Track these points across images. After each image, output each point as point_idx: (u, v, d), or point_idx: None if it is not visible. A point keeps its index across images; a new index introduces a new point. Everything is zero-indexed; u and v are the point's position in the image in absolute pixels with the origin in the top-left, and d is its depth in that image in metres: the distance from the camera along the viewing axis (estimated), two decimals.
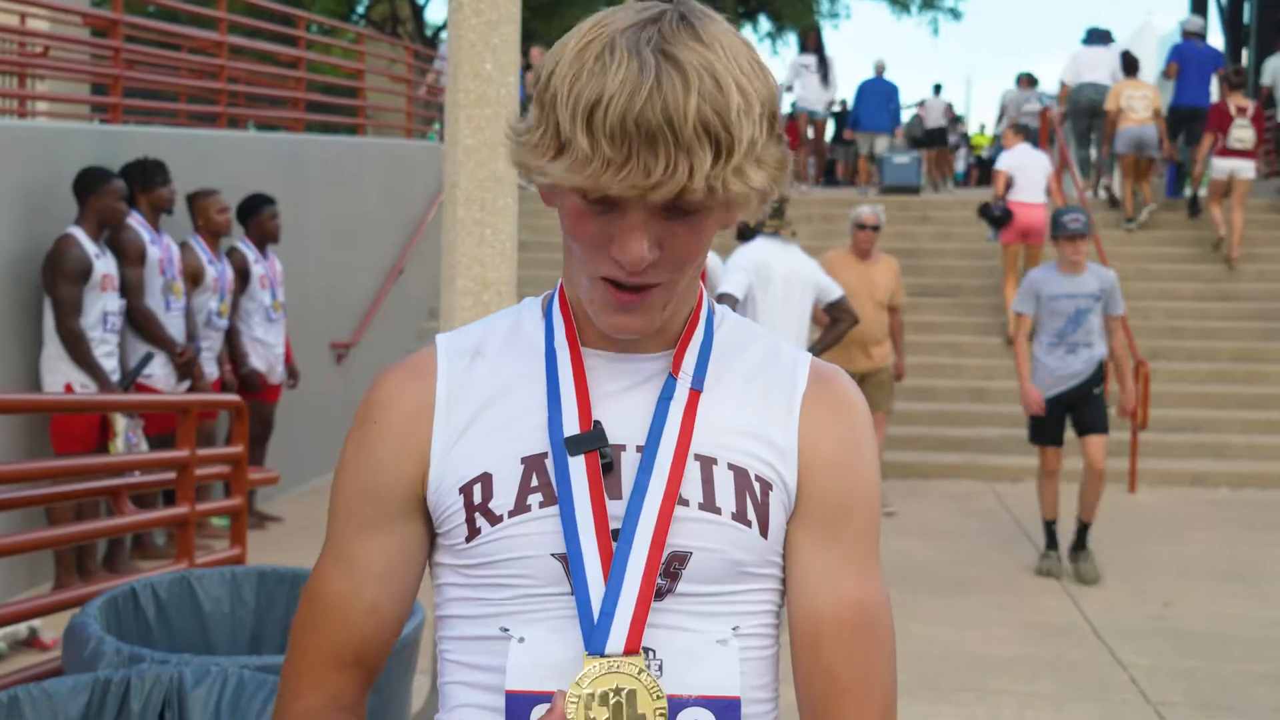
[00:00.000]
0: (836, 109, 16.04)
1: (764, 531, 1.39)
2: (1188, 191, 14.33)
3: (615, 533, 1.34)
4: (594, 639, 1.31)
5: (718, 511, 1.37)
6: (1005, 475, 10.19)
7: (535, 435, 1.38)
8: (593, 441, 1.36)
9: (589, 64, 1.25)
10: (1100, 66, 14.17)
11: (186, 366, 6.79)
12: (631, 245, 1.27)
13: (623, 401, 1.40)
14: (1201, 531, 8.43)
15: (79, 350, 6.06)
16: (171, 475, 4.03)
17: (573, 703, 1.29)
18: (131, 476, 4.01)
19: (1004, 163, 12.20)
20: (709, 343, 1.44)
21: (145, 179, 6.68)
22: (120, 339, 6.42)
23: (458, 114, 4.12)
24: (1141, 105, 13.50)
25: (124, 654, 2.84)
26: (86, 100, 10.16)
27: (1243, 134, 12.76)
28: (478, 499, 1.37)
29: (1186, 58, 14.20)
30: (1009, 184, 11.95)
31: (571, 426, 1.37)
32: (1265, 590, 7.02)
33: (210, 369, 7.34)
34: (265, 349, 7.83)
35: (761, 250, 6.18)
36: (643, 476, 1.36)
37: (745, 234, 6.38)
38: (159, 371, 6.67)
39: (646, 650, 1.33)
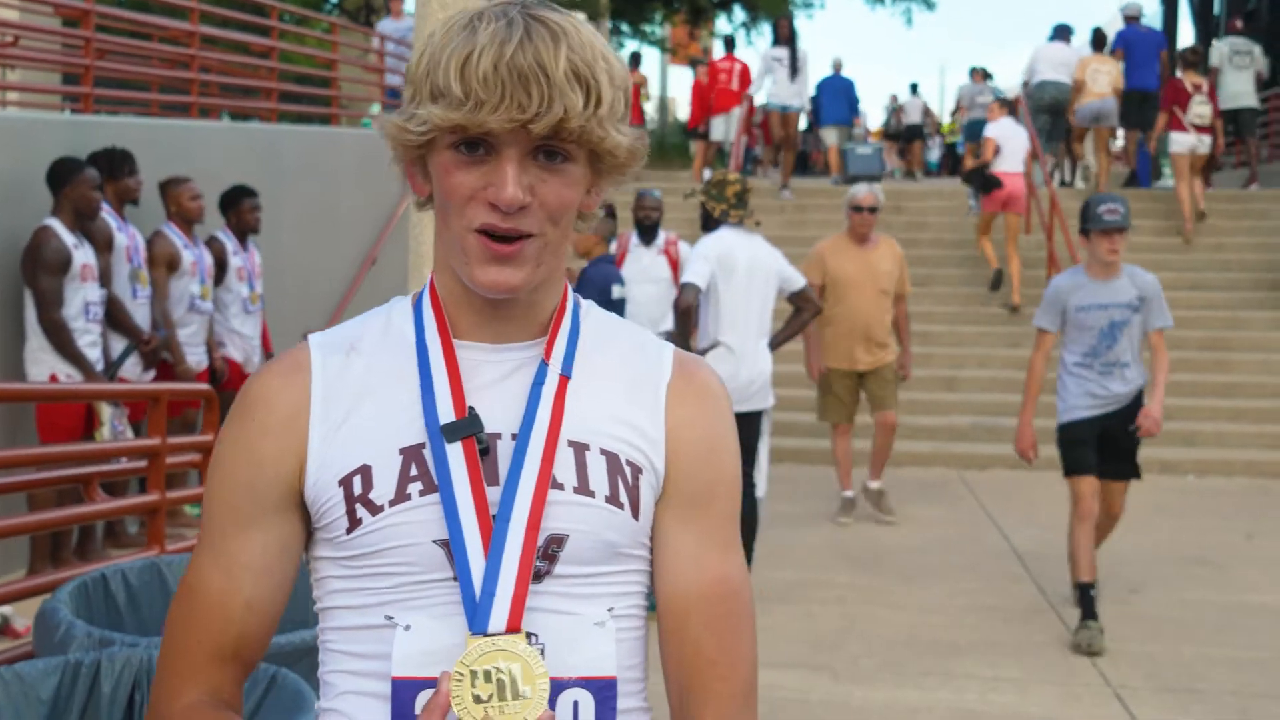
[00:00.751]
0: (801, 103, 15.61)
1: (635, 514, 1.44)
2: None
3: (493, 517, 1.39)
4: (476, 619, 1.36)
5: (592, 495, 1.42)
6: (974, 463, 10.29)
7: (412, 427, 1.42)
8: (468, 428, 1.41)
9: (456, 32, 1.35)
10: (1061, 64, 14.51)
11: (153, 355, 6.81)
12: (507, 185, 1.34)
13: (496, 391, 1.45)
14: (1169, 518, 8.54)
15: (62, 341, 6.07)
16: (143, 463, 4.07)
17: (458, 680, 1.32)
18: (116, 463, 4.04)
19: (991, 131, 12.91)
20: (576, 332, 1.50)
21: (112, 168, 6.69)
22: (103, 328, 6.44)
23: None
24: (1104, 81, 13.99)
25: (94, 637, 2.88)
26: (58, 90, 10.14)
27: (1202, 110, 13.28)
28: (358, 490, 1.40)
29: (1131, 42, 14.48)
30: (997, 150, 12.57)
31: (447, 415, 1.41)
32: (1230, 576, 7.13)
33: (199, 354, 7.36)
34: (242, 340, 7.85)
35: (725, 240, 6.20)
36: (518, 461, 1.40)
37: (708, 224, 6.41)
38: (127, 361, 6.68)
39: (529, 635, 1.37)
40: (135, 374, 6.75)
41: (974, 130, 17.40)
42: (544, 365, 1.45)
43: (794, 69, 15.01)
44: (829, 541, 7.77)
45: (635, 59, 19.97)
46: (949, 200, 15.63)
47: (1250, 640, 5.97)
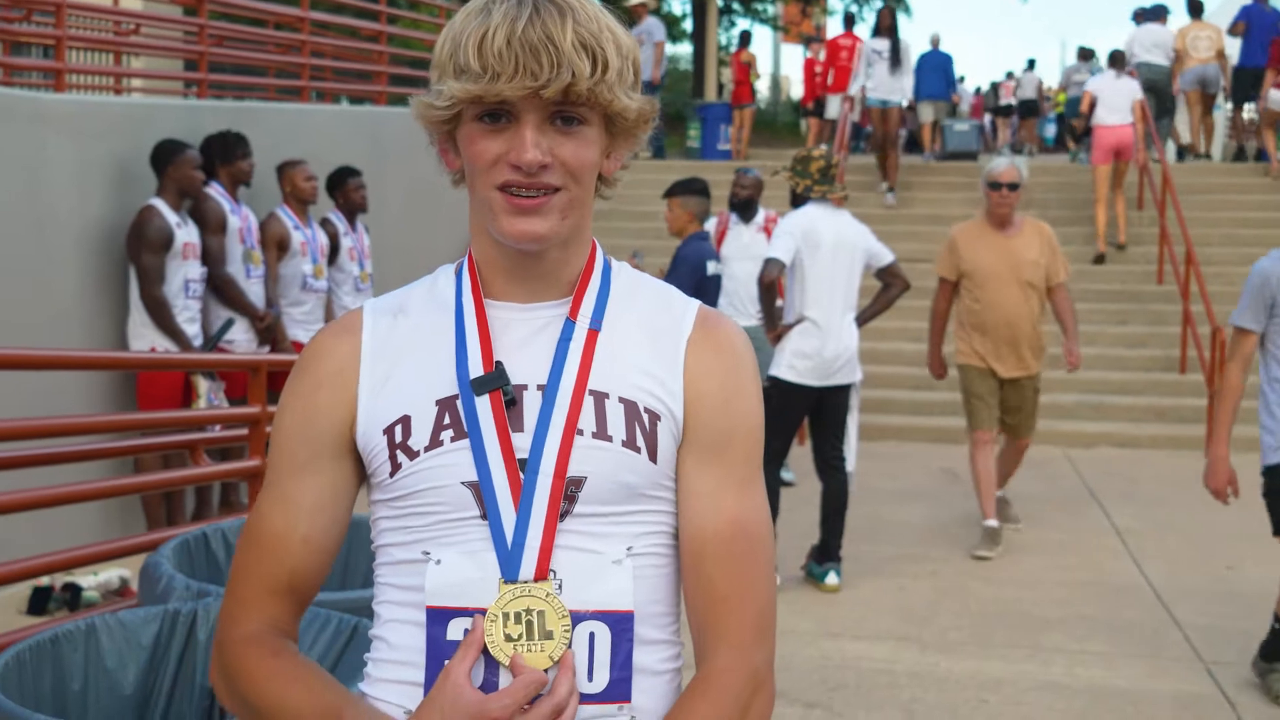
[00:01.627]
0: (903, 98, 14.60)
1: (653, 457, 1.56)
2: None
3: (522, 463, 1.53)
4: (508, 566, 1.50)
5: (609, 439, 1.54)
6: (1079, 441, 10.20)
7: (447, 380, 1.57)
8: (495, 381, 1.55)
9: (473, 16, 1.50)
10: (1155, 46, 14.49)
11: (267, 331, 7.06)
12: (527, 148, 1.49)
13: (525, 347, 1.58)
14: None
15: (162, 316, 6.34)
16: (244, 431, 4.27)
17: (491, 621, 1.49)
18: (212, 431, 4.24)
19: (1091, 84, 13.52)
20: (606, 288, 1.63)
21: (225, 151, 6.94)
22: (202, 305, 6.70)
23: None
24: (1205, 45, 14.12)
25: (193, 589, 3.06)
26: (176, 76, 10.50)
27: None
28: (399, 438, 1.56)
29: (1253, 18, 14.42)
30: (1093, 104, 12.95)
31: (476, 369, 1.56)
32: None
33: (314, 331, 7.59)
34: None
35: (810, 215, 6.23)
36: (545, 411, 1.54)
37: (796, 200, 6.45)
38: (240, 337, 6.94)
39: (551, 571, 1.51)
40: (251, 349, 7.00)
41: (1074, 108, 17.16)
42: (570, 322, 1.58)
43: (895, 61, 14.22)
44: (926, 517, 7.78)
45: (745, 38, 19.93)
46: (1057, 175, 15.38)
47: None
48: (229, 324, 6.73)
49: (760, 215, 8.27)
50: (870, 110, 14.56)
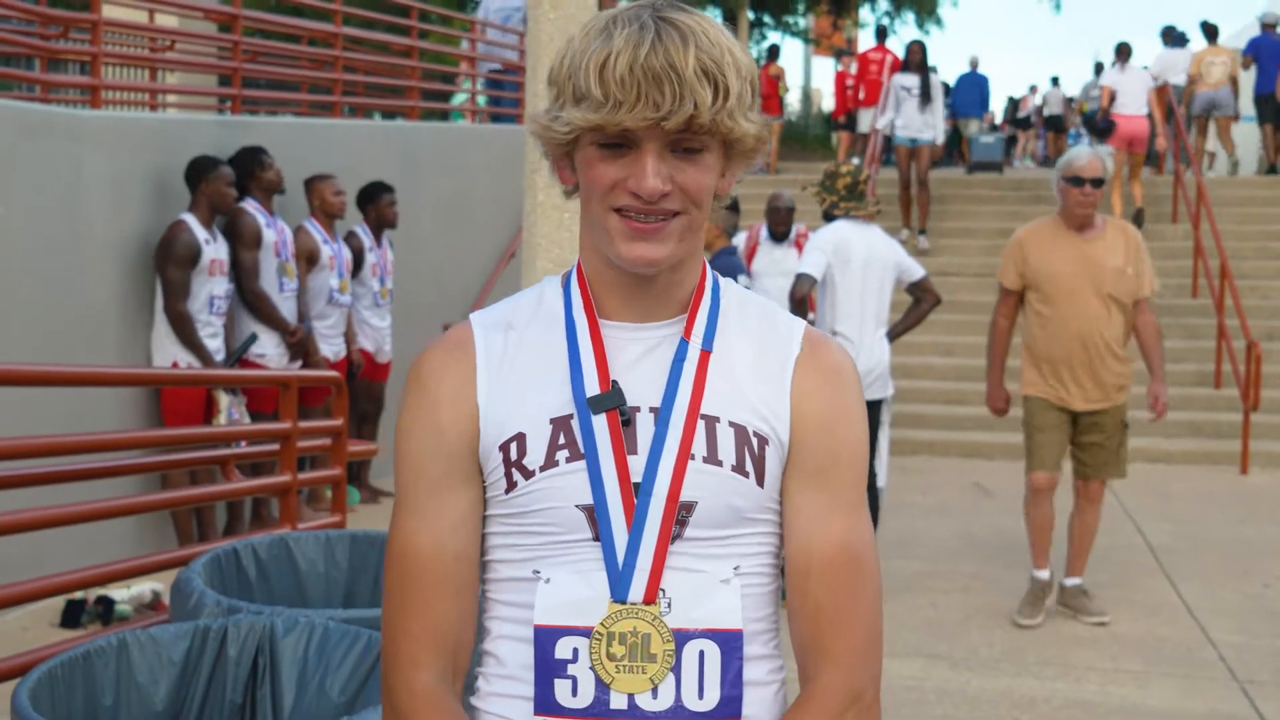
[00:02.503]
0: (934, 135, 13.68)
1: (760, 481, 1.57)
2: None
3: (635, 486, 1.53)
4: (618, 587, 1.52)
5: (719, 464, 1.55)
6: None
7: (561, 398, 1.57)
8: (612, 400, 1.55)
9: (594, 37, 1.49)
10: (1180, 69, 15.01)
11: (299, 346, 7.09)
12: (647, 178, 1.48)
13: (638, 367, 1.58)
14: None
15: (184, 331, 6.38)
16: (275, 446, 4.29)
17: (596, 639, 1.50)
18: (239, 447, 4.27)
19: (1107, 78, 14.04)
20: (716, 308, 1.63)
21: (246, 166, 6.95)
22: (226, 321, 6.73)
23: (538, 104, 4.31)
24: (1219, 71, 14.52)
25: (223, 606, 3.07)
26: (210, 92, 10.58)
27: None
28: (514, 455, 1.56)
29: (1261, 49, 14.84)
30: (1113, 97, 13.61)
31: (592, 388, 1.55)
32: None
33: (338, 345, 7.67)
34: (373, 330, 8.13)
35: (841, 231, 6.22)
36: (660, 434, 1.55)
37: (827, 217, 6.44)
38: (271, 351, 6.98)
39: (660, 590, 1.52)
40: (282, 364, 7.05)
41: (1093, 118, 17.87)
42: (684, 342, 1.58)
43: (926, 97, 13.46)
44: (957, 532, 7.74)
45: (774, 51, 19.94)
46: None
47: None
48: (252, 339, 6.77)
49: (792, 231, 8.26)
50: (898, 148, 13.82)
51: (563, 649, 1.52)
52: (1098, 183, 5.61)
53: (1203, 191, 12.34)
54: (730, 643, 1.53)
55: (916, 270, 6.38)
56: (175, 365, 6.40)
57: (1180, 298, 12.48)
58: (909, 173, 13.74)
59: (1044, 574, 6.04)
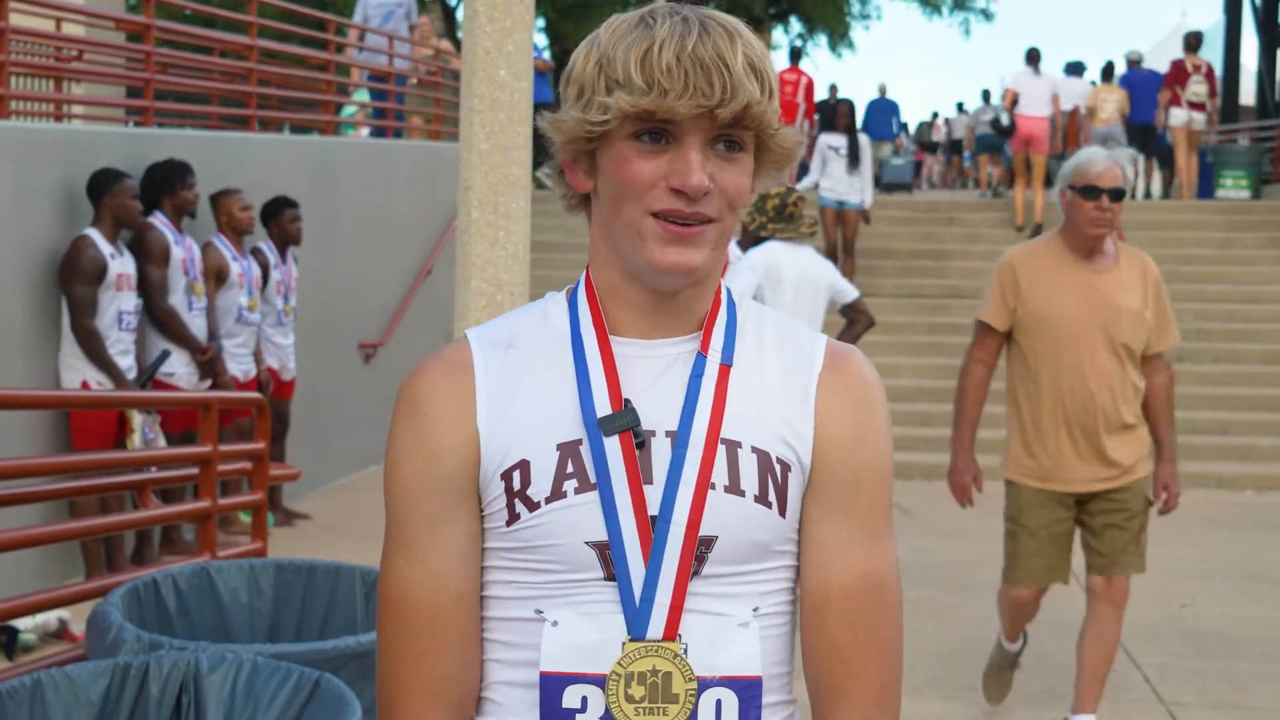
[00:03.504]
0: (862, 199, 13.15)
1: (782, 511, 1.46)
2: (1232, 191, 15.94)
3: (652, 518, 1.41)
4: (635, 624, 1.40)
5: (742, 494, 1.44)
6: None
7: (569, 422, 1.44)
8: (625, 421, 1.42)
9: (628, 30, 1.39)
10: (1074, 96, 16.12)
11: (209, 365, 6.91)
12: (694, 171, 1.38)
13: (653, 388, 1.46)
14: (1225, 533, 8.44)
15: (94, 349, 6.17)
16: (194, 470, 4.14)
17: (614, 679, 1.38)
18: (150, 472, 4.12)
19: (1011, 81, 14.83)
20: (734, 321, 1.52)
21: (168, 181, 6.80)
22: (138, 337, 6.54)
23: (472, 119, 4.22)
24: (1111, 107, 15.57)
25: (144, 641, 2.94)
26: (120, 104, 10.32)
27: (1198, 89, 15.10)
28: (517, 485, 1.43)
29: (1134, 83, 16.25)
30: (1015, 99, 14.49)
31: (603, 408, 1.43)
32: None
33: (247, 365, 7.49)
34: (277, 349, 7.95)
35: (772, 252, 6.21)
36: (677, 460, 1.43)
37: (746, 235, 6.44)
38: (181, 370, 6.79)
39: (678, 634, 1.41)
40: (191, 384, 6.86)
41: (984, 144, 20.11)
42: (701, 357, 1.47)
43: (854, 159, 12.83)
44: None
45: None
46: (1004, 211, 15.55)
47: None
48: (164, 356, 6.57)
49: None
50: (824, 210, 13.05)
51: (570, 698, 1.40)
52: (1117, 195, 4.28)
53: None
54: (749, 690, 1.42)
55: (850, 292, 6.39)
56: (85, 385, 6.19)
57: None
58: (835, 237, 13.11)
59: (1015, 646, 5.09)
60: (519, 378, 1.48)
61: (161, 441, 6.30)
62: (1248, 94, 22.94)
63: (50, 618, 5.62)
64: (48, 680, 2.68)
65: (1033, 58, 15.07)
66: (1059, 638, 5.54)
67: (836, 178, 12.88)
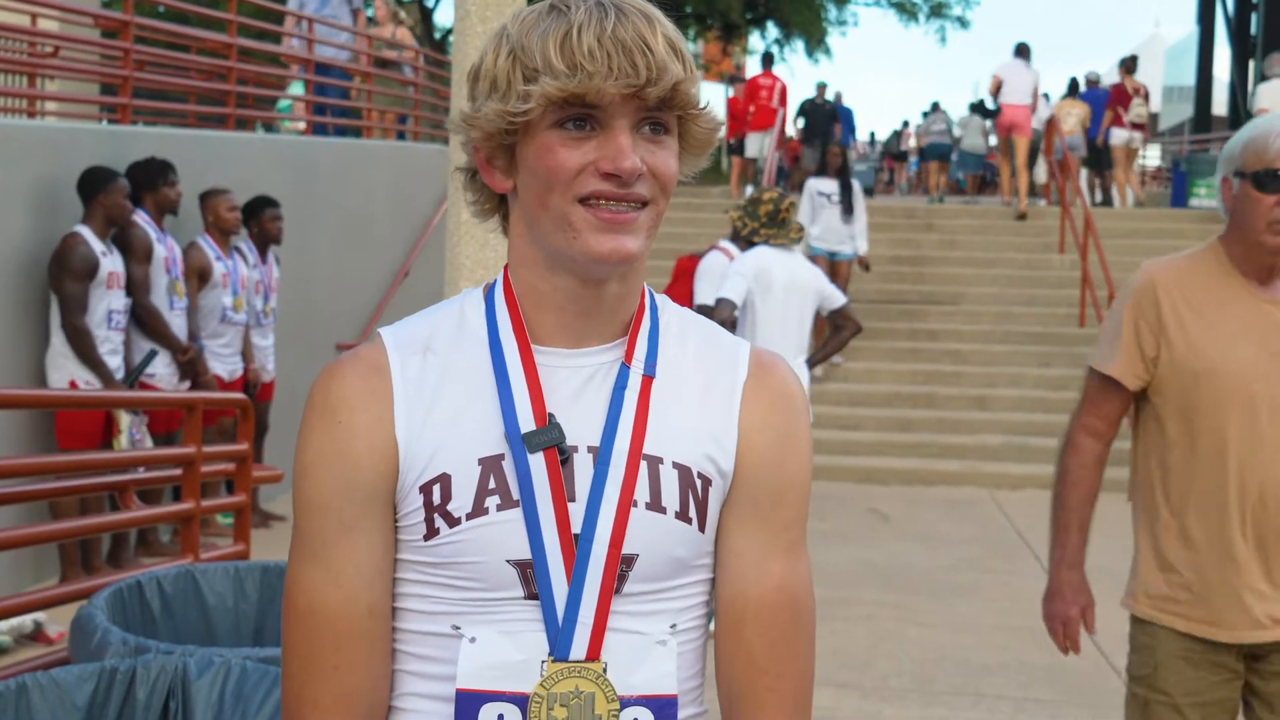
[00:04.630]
0: (855, 248, 11.81)
1: (702, 527, 1.43)
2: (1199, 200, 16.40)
3: (575, 536, 1.38)
4: (559, 644, 1.37)
5: (663, 511, 1.41)
6: (1005, 483, 10.23)
7: (491, 435, 1.40)
8: (549, 438, 1.39)
9: (542, 20, 1.35)
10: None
11: (189, 365, 6.85)
12: (626, 154, 1.34)
13: (576, 402, 1.42)
14: None
15: (83, 347, 6.12)
16: (177, 471, 4.09)
17: (536, 701, 1.36)
18: (137, 472, 4.07)
19: (999, 69, 15.46)
20: (656, 328, 1.47)
21: (151, 179, 6.75)
22: (125, 336, 6.48)
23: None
24: (1073, 120, 16.42)
25: (130, 644, 2.89)
26: (96, 100, 10.23)
27: (1140, 110, 15.96)
28: (437, 499, 1.39)
29: (1090, 101, 17.04)
30: (999, 87, 15.17)
31: (527, 423, 1.39)
32: None
33: (233, 365, 7.43)
34: (256, 350, 7.88)
35: (762, 257, 6.21)
36: (599, 477, 1.39)
37: (748, 243, 6.42)
38: (162, 370, 6.74)
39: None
40: (171, 384, 6.80)
41: (933, 151, 21.20)
42: (625, 369, 1.43)
43: (847, 207, 11.50)
44: (859, 559, 7.74)
45: None
46: (980, 218, 15.62)
47: None
48: (152, 355, 6.52)
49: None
50: (816, 259, 11.11)
51: (487, 715, 1.37)
52: None
53: (1090, 222, 12.62)
54: (666, 709, 1.40)
55: (838, 298, 6.39)
56: (73, 384, 6.13)
57: (1068, 326, 12.75)
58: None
59: None
60: (436, 385, 1.42)
61: (148, 442, 6.24)
62: (1220, 105, 23.15)
63: (25, 620, 5.55)
64: (33, 684, 2.64)
65: (1022, 51, 15.58)
66: None
67: (828, 226, 11.57)
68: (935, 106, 23.10)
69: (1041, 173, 16.80)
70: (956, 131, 22.02)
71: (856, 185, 11.66)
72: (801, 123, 18.21)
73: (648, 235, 1.39)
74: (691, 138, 1.42)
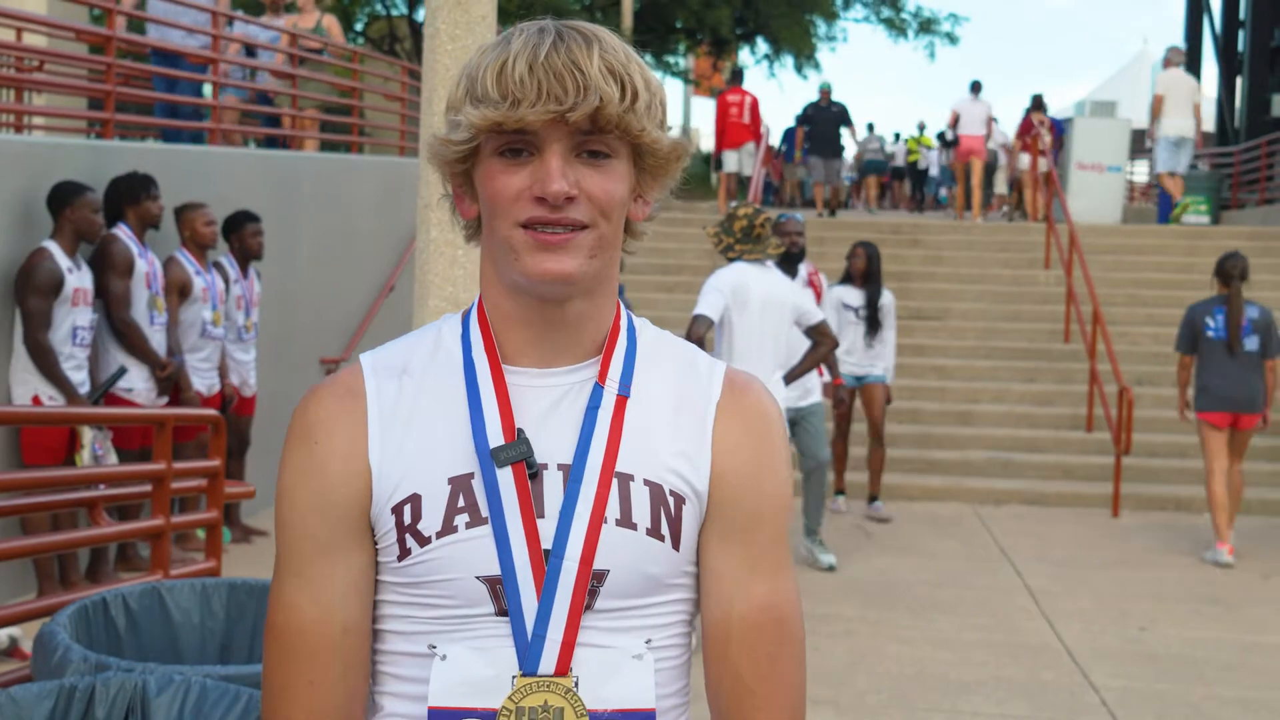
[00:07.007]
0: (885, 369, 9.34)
1: (676, 545, 1.44)
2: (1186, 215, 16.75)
3: (545, 553, 1.40)
4: (527, 660, 1.39)
5: (634, 528, 1.42)
6: (989, 498, 10.23)
7: (461, 454, 1.42)
8: (517, 452, 1.41)
9: (491, 49, 1.39)
10: (980, 120, 18.04)
11: (168, 381, 6.84)
12: (553, 178, 1.36)
13: (547, 421, 1.44)
14: (1182, 556, 8.48)
15: (46, 363, 6.06)
16: (147, 488, 4.08)
17: (505, 715, 1.37)
18: (98, 489, 4.06)
19: (955, 104, 17.88)
20: (633, 350, 1.49)
21: (132, 193, 6.73)
22: (92, 353, 6.42)
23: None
24: (1046, 138, 17.19)
25: (91, 662, 2.89)
26: (81, 115, 10.23)
27: (1046, 138, 16.90)
28: (408, 519, 1.42)
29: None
30: (957, 120, 17.72)
31: (496, 440, 1.41)
32: (1241, 615, 7.07)
33: (211, 380, 7.42)
34: (237, 365, 7.86)
35: (740, 273, 6.22)
36: (571, 494, 1.41)
37: (726, 258, 6.44)
38: (140, 385, 6.70)
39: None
40: (150, 399, 6.78)
41: (870, 167, 23.15)
42: (599, 388, 1.45)
43: (873, 322, 9.14)
44: (838, 574, 7.74)
45: None
46: (966, 234, 15.66)
47: (1261, 680, 5.92)
48: (120, 373, 6.46)
49: (803, 270, 7.83)
50: (836, 381, 8.44)
51: None
52: None
53: (1075, 238, 12.64)
54: None
55: (815, 314, 6.39)
56: (36, 399, 6.10)
57: (1053, 342, 12.76)
58: (849, 420, 9.44)
59: None
60: (411, 407, 1.45)
61: (112, 458, 6.19)
62: (1208, 121, 23.20)
63: (1, 635, 5.53)
64: None
65: (975, 88, 17.95)
66: None
67: (852, 343, 9.16)
68: (870, 128, 25.18)
69: (1002, 183, 19.83)
70: (889, 149, 25.32)
71: (887, 297, 9.26)
72: (804, 128, 18.56)
73: (591, 256, 1.40)
74: (645, 161, 1.43)
